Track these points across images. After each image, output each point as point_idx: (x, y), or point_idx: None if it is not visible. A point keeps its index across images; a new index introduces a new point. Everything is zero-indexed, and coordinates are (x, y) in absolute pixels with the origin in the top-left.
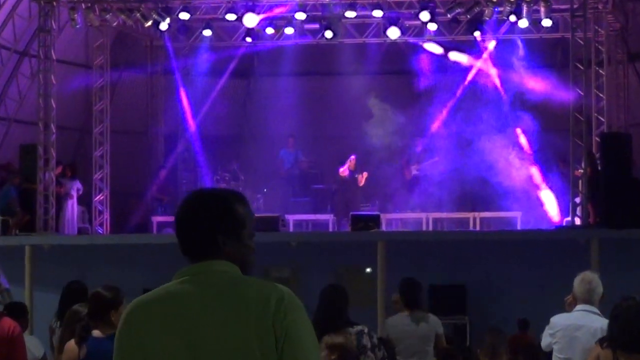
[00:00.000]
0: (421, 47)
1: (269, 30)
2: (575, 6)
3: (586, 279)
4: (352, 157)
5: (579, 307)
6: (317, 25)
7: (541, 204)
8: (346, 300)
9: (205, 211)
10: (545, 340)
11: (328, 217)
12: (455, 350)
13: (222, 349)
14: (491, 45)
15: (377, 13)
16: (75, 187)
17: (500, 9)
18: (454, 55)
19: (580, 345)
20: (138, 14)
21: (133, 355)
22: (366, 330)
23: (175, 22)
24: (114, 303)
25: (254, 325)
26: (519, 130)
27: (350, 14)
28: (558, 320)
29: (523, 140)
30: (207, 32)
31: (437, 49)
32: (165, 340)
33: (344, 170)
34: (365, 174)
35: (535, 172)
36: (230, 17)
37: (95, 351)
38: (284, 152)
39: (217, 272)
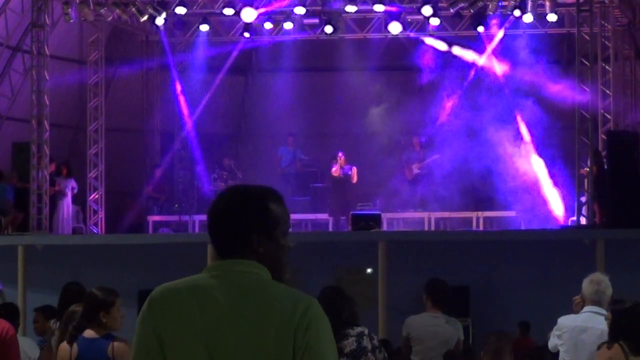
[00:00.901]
0: (423, 42)
1: (268, 25)
2: (581, 0)
3: (595, 280)
4: (340, 154)
5: (587, 308)
6: (316, 20)
7: (546, 203)
8: (345, 301)
9: (240, 209)
10: (552, 341)
11: (327, 217)
12: (460, 354)
13: (239, 349)
14: (495, 40)
15: (379, 8)
16: (70, 186)
17: (505, 3)
18: (457, 51)
19: (586, 347)
20: (133, 9)
21: (150, 341)
22: (366, 332)
23: (172, 16)
24: (104, 304)
25: (275, 331)
26: (519, 119)
27: (351, 8)
28: (565, 321)
29: (526, 135)
30: (204, 27)
31: (441, 45)
32: (184, 332)
33: (335, 170)
34: (354, 169)
35: (540, 169)
36: (228, 11)
37: (86, 351)
38: (283, 149)
39: (246, 273)
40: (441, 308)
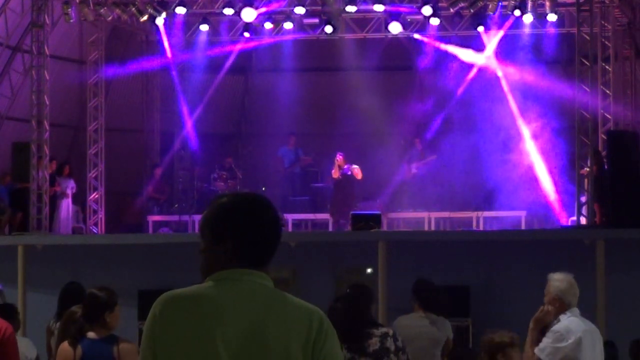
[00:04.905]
0: (423, 41)
1: (268, 25)
2: (581, 0)
3: (574, 283)
4: (338, 155)
5: (574, 311)
6: (316, 20)
7: (546, 202)
8: (370, 300)
9: (275, 218)
10: (547, 351)
11: (328, 217)
12: (464, 352)
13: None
14: (495, 40)
15: (379, 7)
16: (70, 186)
17: (505, 3)
18: (457, 51)
19: (599, 349)
20: (133, 8)
21: (158, 349)
22: (391, 332)
23: (172, 16)
24: (108, 304)
25: (298, 344)
26: (520, 122)
27: (351, 8)
28: (573, 326)
29: (526, 135)
30: (204, 27)
31: (442, 45)
32: (195, 341)
33: (334, 172)
34: (355, 168)
35: (540, 169)
36: (228, 11)
37: (89, 352)
38: (284, 149)
39: (262, 285)
40: (428, 308)
